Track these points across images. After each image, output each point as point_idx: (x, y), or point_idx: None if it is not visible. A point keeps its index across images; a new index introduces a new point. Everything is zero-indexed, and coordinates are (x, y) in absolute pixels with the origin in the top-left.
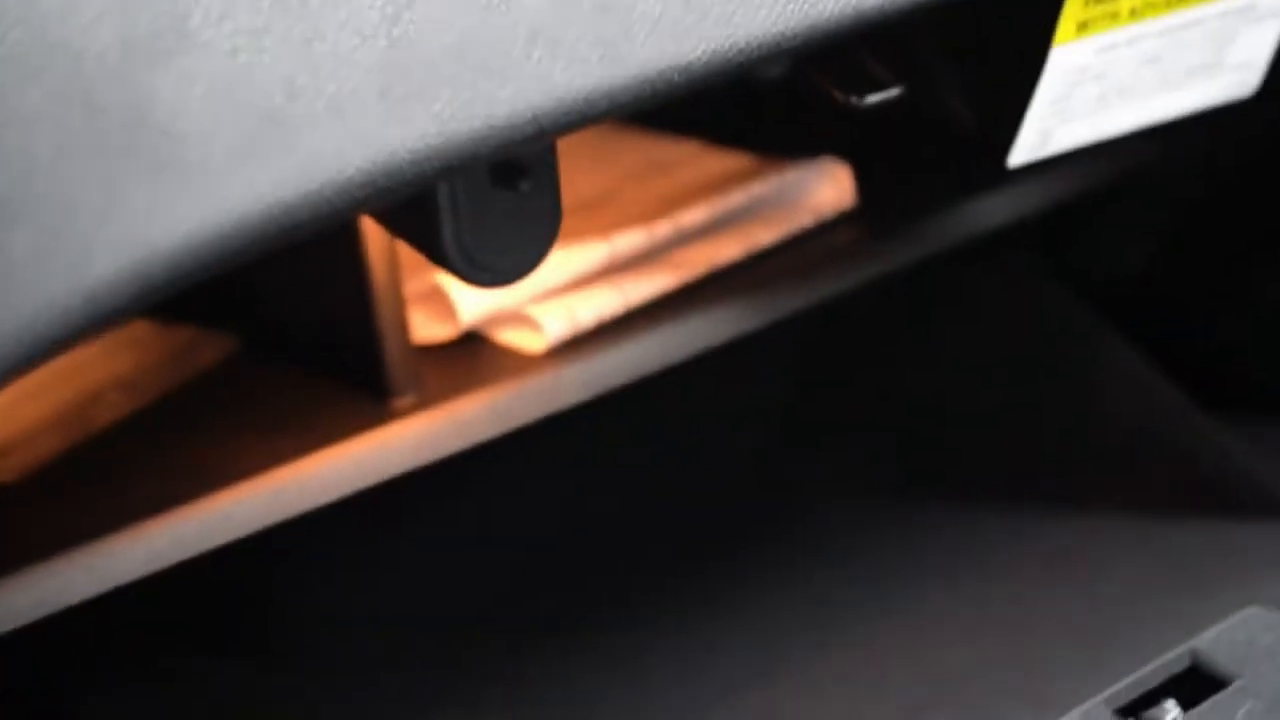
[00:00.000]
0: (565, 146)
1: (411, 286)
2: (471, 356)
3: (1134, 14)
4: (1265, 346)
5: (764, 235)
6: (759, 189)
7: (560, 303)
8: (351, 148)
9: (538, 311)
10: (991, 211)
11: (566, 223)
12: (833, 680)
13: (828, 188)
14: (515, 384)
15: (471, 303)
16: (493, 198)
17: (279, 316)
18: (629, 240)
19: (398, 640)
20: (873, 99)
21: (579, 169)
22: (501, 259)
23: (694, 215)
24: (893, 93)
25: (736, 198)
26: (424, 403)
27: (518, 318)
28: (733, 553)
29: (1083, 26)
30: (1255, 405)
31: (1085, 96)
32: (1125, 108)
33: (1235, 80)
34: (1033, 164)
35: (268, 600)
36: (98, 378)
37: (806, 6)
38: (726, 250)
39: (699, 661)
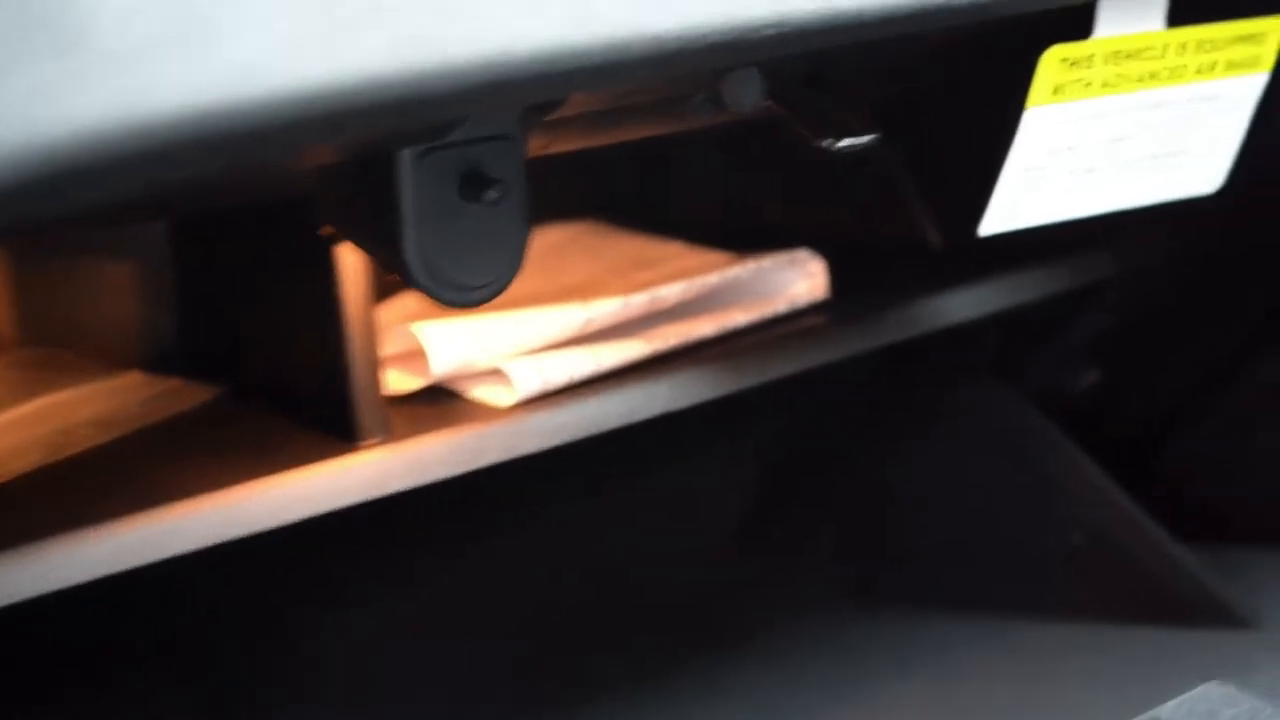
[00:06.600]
0: (553, 246)
1: (389, 347)
2: (441, 409)
3: (1106, 86)
4: (1220, 470)
5: (738, 316)
6: (735, 272)
7: (532, 360)
8: (292, 65)
9: (510, 366)
10: (953, 309)
11: (547, 300)
12: None
13: (802, 279)
14: (478, 427)
15: (444, 353)
16: (458, 209)
17: (256, 366)
18: (605, 308)
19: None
20: (844, 144)
21: (566, 265)
22: (467, 275)
23: (670, 291)
24: (864, 140)
25: (712, 279)
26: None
27: (490, 373)
28: (692, 648)
29: (1057, 90)
30: (1211, 523)
31: (1055, 168)
32: (1092, 188)
33: (1200, 173)
34: (991, 268)
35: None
36: (75, 417)
37: None
38: (700, 328)
39: None
